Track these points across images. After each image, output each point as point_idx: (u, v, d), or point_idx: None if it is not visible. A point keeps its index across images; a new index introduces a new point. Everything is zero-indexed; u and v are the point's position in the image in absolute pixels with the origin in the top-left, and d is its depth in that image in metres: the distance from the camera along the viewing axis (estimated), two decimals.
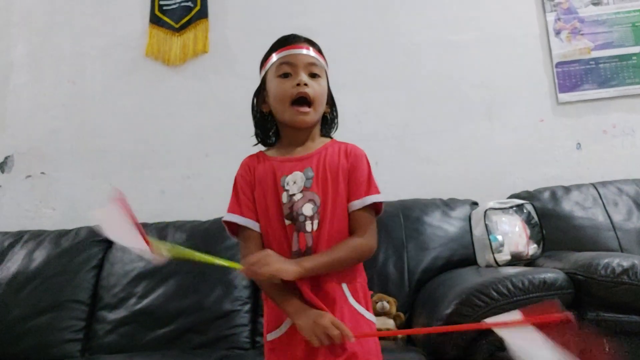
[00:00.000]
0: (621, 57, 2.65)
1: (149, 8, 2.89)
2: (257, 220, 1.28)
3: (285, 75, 1.30)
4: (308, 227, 1.23)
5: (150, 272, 2.29)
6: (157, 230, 2.43)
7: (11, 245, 2.45)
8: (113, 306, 2.25)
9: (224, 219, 1.31)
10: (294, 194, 1.25)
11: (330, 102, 1.39)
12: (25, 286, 2.30)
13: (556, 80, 2.66)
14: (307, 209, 1.24)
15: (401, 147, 2.67)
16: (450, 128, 2.68)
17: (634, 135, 2.61)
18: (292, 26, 2.72)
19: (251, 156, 1.38)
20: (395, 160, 2.63)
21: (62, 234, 2.49)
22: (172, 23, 2.85)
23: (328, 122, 1.40)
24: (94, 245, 2.43)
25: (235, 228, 1.31)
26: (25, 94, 2.89)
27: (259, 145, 1.41)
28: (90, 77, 2.87)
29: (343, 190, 1.27)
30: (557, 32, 2.70)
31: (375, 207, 1.29)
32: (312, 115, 1.30)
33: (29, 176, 2.81)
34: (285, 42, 1.34)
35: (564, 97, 2.65)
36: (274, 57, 1.33)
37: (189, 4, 2.85)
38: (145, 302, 2.23)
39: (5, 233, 2.53)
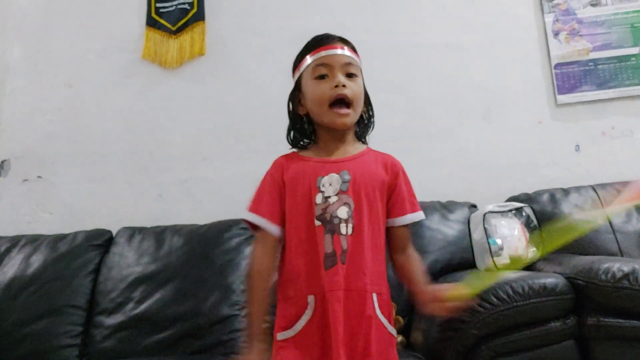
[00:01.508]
0: (620, 58, 2.65)
1: (146, 11, 2.88)
2: (277, 223, 1.27)
3: (322, 77, 1.29)
4: (343, 230, 1.22)
5: (147, 276, 2.28)
6: (154, 235, 2.42)
7: (8, 250, 2.42)
8: (110, 311, 2.24)
9: (244, 216, 1.30)
10: (329, 196, 1.24)
11: (367, 101, 1.38)
12: (21, 291, 2.28)
13: (555, 82, 2.66)
14: (342, 212, 1.23)
15: (400, 150, 2.60)
16: (449, 130, 2.68)
17: (632, 136, 2.61)
18: (288, 28, 2.75)
19: (285, 156, 1.36)
20: None
21: (59, 238, 2.47)
22: (168, 25, 2.84)
23: (364, 122, 1.39)
24: (91, 249, 2.42)
25: (255, 225, 1.30)
26: (22, 97, 2.88)
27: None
28: (86, 81, 2.86)
29: (380, 201, 1.28)
30: (556, 34, 2.70)
31: None
32: (352, 116, 1.30)
33: (26, 180, 2.79)
34: (320, 42, 1.33)
35: (563, 98, 2.64)
36: (309, 59, 1.32)
37: (186, 6, 2.84)
38: (142, 307, 2.21)
39: (2, 237, 2.51)
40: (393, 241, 1.32)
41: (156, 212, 2.66)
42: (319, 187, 1.25)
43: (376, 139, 2.61)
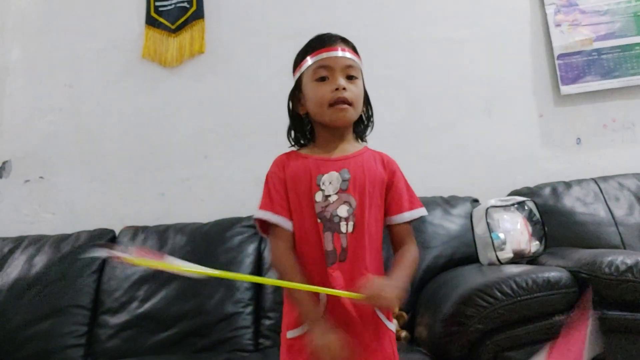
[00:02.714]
0: (624, 47, 2.63)
1: (145, 9, 2.87)
2: (290, 218, 1.27)
3: (323, 79, 1.29)
4: (343, 229, 1.23)
5: (151, 275, 2.28)
6: (157, 234, 2.42)
7: (11, 251, 2.43)
8: (115, 310, 2.24)
9: (255, 216, 1.30)
10: (329, 195, 1.25)
11: (366, 101, 1.38)
12: (26, 292, 2.29)
13: (558, 73, 2.64)
14: (343, 211, 1.24)
15: (400, 145, 2.64)
16: (450, 125, 2.67)
17: (634, 129, 2.60)
18: (287, 26, 2.74)
19: (286, 154, 1.37)
20: (395, 158, 2.58)
21: (62, 238, 2.47)
22: (168, 24, 2.83)
23: (364, 122, 1.40)
24: (95, 249, 2.42)
25: (265, 226, 1.30)
26: (22, 98, 2.88)
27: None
28: (86, 80, 2.85)
29: (379, 199, 1.29)
30: (558, 24, 2.68)
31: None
32: (352, 112, 1.30)
33: (28, 181, 2.79)
34: (321, 43, 1.32)
35: (567, 89, 2.63)
36: (309, 60, 1.31)
37: (185, 4, 2.83)
38: (147, 305, 2.22)
39: (5, 239, 2.51)
40: (392, 238, 1.33)
41: (158, 211, 2.67)
42: (319, 185, 1.26)
43: (377, 135, 2.61)
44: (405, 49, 2.74)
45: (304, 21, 2.67)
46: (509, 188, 2.47)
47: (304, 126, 1.38)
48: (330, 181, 1.26)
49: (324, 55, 1.30)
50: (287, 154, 1.36)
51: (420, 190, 2.46)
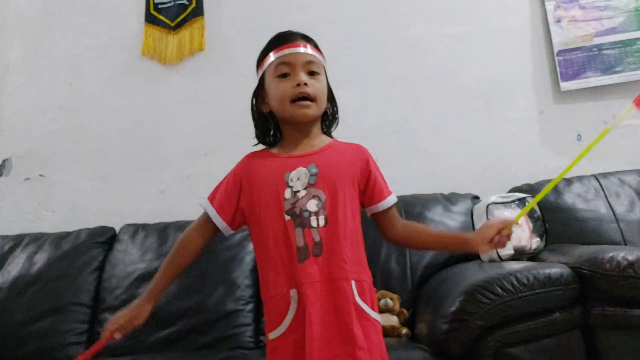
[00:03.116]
0: (625, 43, 2.62)
1: (144, 7, 2.86)
2: (227, 220, 1.31)
3: (284, 76, 1.29)
4: (313, 223, 1.23)
5: (151, 273, 2.22)
6: (157, 231, 2.42)
7: (11, 249, 2.43)
8: (115, 308, 2.22)
9: (201, 202, 1.36)
10: (298, 190, 1.25)
11: (330, 97, 1.38)
12: (26, 290, 2.28)
13: (558, 69, 2.64)
14: (312, 205, 1.24)
15: (401, 142, 2.66)
16: (450, 122, 2.67)
17: (634, 125, 2.60)
18: (288, 22, 2.69)
19: (254, 153, 1.38)
20: (396, 155, 2.61)
21: (62, 236, 2.47)
22: (167, 21, 2.83)
23: (329, 118, 1.40)
24: (95, 247, 2.42)
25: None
26: (22, 96, 2.87)
27: (261, 145, 1.40)
28: (86, 78, 2.85)
29: (352, 189, 1.29)
30: (558, 20, 2.67)
31: None
32: (314, 108, 1.30)
33: (28, 179, 2.79)
34: (282, 40, 1.33)
35: (567, 85, 2.62)
36: (272, 57, 1.31)
37: (184, 2, 2.83)
38: None
39: (5, 237, 2.51)
40: (384, 224, 1.35)
41: (158, 208, 2.66)
42: (287, 182, 1.26)
43: (377, 131, 2.63)
44: (406, 46, 2.74)
45: (304, 18, 2.66)
46: (509, 185, 2.47)
47: (268, 124, 1.38)
48: (298, 177, 1.26)
49: (286, 51, 1.30)
50: (255, 153, 1.38)
51: (421, 187, 2.50)
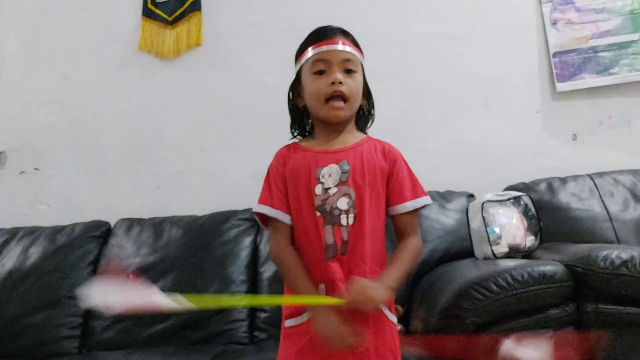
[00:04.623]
0: (620, 45, 2.63)
1: (142, 1, 2.85)
2: (288, 213, 1.28)
3: (320, 73, 1.28)
4: (343, 221, 1.23)
5: (146, 267, 2.28)
6: (153, 226, 2.42)
7: (6, 242, 2.43)
8: None
9: (254, 209, 1.31)
10: (329, 187, 1.24)
11: (367, 94, 1.38)
12: (21, 283, 2.28)
13: (554, 70, 2.65)
14: (343, 203, 1.23)
15: (397, 139, 2.60)
16: (446, 120, 2.68)
17: (629, 125, 2.61)
18: (285, 19, 2.74)
19: (286, 147, 1.37)
20: None
21: (57, 230, 2.47)
22: (165, 16, 2.82)
23: (364, 114, 1.39)
24: (90, 241, 2.42)
25: (265, 219, 1.31)
26: (18, 89, 2.86)
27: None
28: (83, 72, 2.84)
29: (380, 188, 1.28)
30: (554, 22, 2.69)
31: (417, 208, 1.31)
32: (347, 110, 1.29)
33: (23, 172, 2.78)
34: (321, 35, 1.32)
35: (562, 86, 2.64)
36: (309, 52, 1.31)
37: None
38: None
39: (0, 230, 2.51)
40: (395, 229, 1.32)
41: (154, 203, 2.66)
42: (319, 178, 1.26)
43: (373, 129, 2.62)
44: (403, 44, 2.74)
45: (301, 14, 2.66)
46: (504, 183, 2.48)
47: (303, 118, 1.38)
48: (330, 174, 1.26)
49: (324, 48, 1.29)
50: (288, 147, 1.36)
51: None
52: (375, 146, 1.33)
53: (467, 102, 2.68)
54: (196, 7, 2.80)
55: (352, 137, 1.34)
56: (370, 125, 1.42)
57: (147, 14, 2.84)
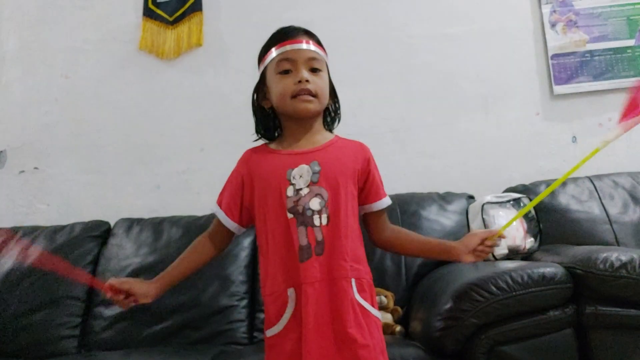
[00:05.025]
0: (616, 50, 2.65)
1: (142, 1, 2.85)
2: (236, 220, 1.31)
3: (286, 72, 1.29)
4: (316, 222, 1.22)
5: (146, 267, 2.28)
6: (152, 226, 2.42)
7: (5, 242, 2.42)
8: (109, 302, 2.20)
9: (212, 208, 1.36)
10: (300, 188, 1.24)
11: (332, 94, 1.38)
12: (20, 283, 2.28)
13: (551, 72, 2.66)
14: (315, 204, 1.23)
15: (397, 141, 2.66)
16: (446, 121, 2.68)
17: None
18: (286, 19, 2.70)
19: (254, 149, 1.37)
20: (391, 154, 2.62)
21: (56, 229, 2.46)
22: (165, 16, 2.82)
23: (331, 114, 1.39)
24: (89, 240, 2.42)
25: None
26: (18, 88, 2.86)
27: (262, 141, 1.40)
28: (83, 72, 2.84)
29: (352, 187, 1.28)
30: (553, 25, 2.70)
31: None
32: (316, 104, 1.29)
33: (22, 171, 2.78)
34: (284, 36, 1.32)
35: (559, 89, 2.65)
36: (274, 53, 1.31)
37: None
38: None
39: None
40: (374, 225, 1.35)
41: (154, 203, 2.66)
42: (290, 180, 1.25)
43: (374, 130, 2.64)
44: (402, 45, 2.74)
45: (302, 15, 2.65)
46: (504, 185, 2.48)
47: (268, 120, 1.38)
48: (301, 174, 1.26)
49: (288, 47, 1.29)
50: (255, 149, 1.37)
51: (416, 185, 2.51)
52: (345, 145, 1.34)
53: (467, 103, 2.68)
54: (197, 7, 2.81)
55: (321, 137, 1.34)
56: (337, 125, 1.42)
57: (148, 13, 2.84)
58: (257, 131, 1.39)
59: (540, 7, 2.72)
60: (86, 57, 2.85)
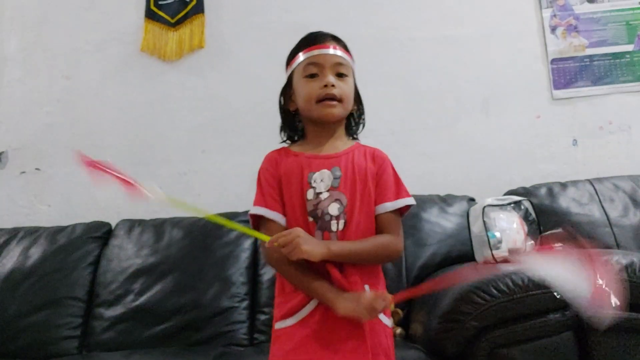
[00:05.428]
0: (615, 55, 2.67)
1: (145, 3, 2.85)
2: (284, 214, 1.28)
3: (312, 76, 1.30)
4: (333, 227, 1.24)
5: (147, 268, 2.28)
6: (154, 227, 2.42)
7: (6, 242, 2.42)
8: (110, 303, 2.24)
9: (250, 212, 1.31)
10: (320, 192, 1.25)
11: (357, 99, 1.39)
12: (21, 283, 2.28)
13: (551, 77, 2.67)
14: (334, 209, 1.24)
15: (398, 143, 2.67)
16: (447, 124, 2.69)
17: (629, 131, 2.63)
18: (287, 21, 2.74)
19: (276, 151, 1.38)
20: (392, 156, 2.55)
21: (57, 230, 2.46)
22: (167, 18, 2.82)
23: (355, 120, 1.40)
24: (91, 241, 2.42)
25: (257, 222, 1.30)
26: (19, 89, 2.86)
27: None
28: (85, 73, 2.84)
29: (371, 193, 1.29)
30: (553, 29, 2.71)
31: (401, 210, 1.31)
32: (340, 109, 1.30)
33: (24, 172, 2.78)
34: (312, 40, 1.34)
35: (559, 93, 2.66)
36: (301, 57, 1.33)
37: None
38: (142, 299, 2.22)
39: (0, 230, 2.51)
40: (376, 229, 1.32)
41: (155, 204, 2.66)
42: (310, 183, 1.27)
43: (374, 132, 2.60)
44: (404, 47, 2.75)
45: (304, 17, 2.67)
46: (505, 187, 2.48)
47: (294, 122, 1.40)
48: (322, 179, 1.27)
49: (315, 52, 1.31)
50: (278, 151, 1.38)
51: (417, 188, 2.47)
52: (365, 152, 1.35)
53: (468, 105, 2.69)
54: (199, 9, 2.81)
55: (342, 143, 1.35)
56: (361, 130, 1.42)
57: (150, 15, 2.84)
58: (283, 132, 1.41)
59: (540, 11, 2.73)
60: (88, 59, 2.85)
